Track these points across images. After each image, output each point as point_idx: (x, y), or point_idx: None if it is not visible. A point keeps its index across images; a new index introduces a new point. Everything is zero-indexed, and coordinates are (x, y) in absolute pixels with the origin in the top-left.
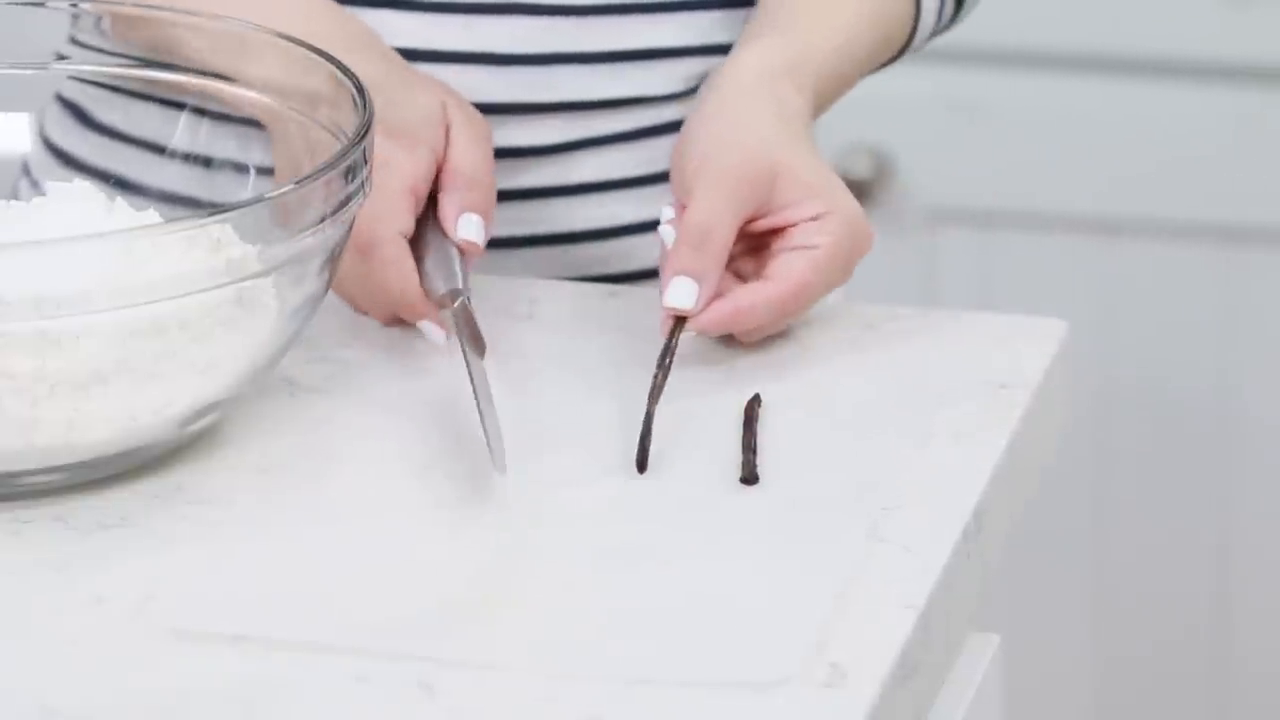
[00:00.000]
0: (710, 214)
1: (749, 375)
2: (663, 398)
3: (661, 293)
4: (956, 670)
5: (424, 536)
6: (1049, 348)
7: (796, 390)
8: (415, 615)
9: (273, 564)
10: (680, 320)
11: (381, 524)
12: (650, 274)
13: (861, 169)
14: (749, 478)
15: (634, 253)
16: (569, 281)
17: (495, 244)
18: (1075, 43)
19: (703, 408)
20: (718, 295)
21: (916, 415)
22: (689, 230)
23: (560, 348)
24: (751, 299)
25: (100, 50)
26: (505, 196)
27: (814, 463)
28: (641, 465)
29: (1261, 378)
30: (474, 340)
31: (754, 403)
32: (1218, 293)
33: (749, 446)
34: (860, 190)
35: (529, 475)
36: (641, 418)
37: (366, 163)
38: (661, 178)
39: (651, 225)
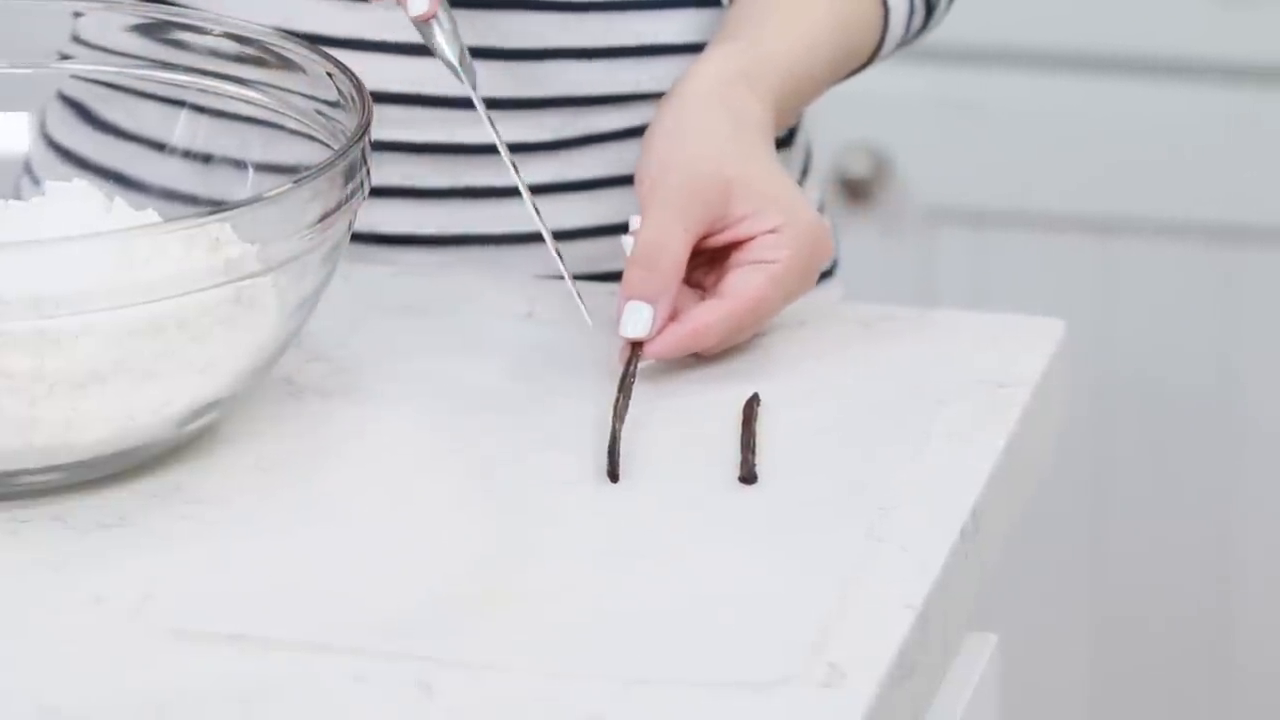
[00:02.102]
0: (661, 233)
1: (746, 374)
2: (658, 395)
3: (617, 319)
4: (954, 670)
5: (423, 536)
6: (1047, 347)
7: (794, 390)
8: (414, 614)
9: (271, 563)
10: (638, 345)
11: (380, 523)
12: None
13: (859, 168)
14: (747, 477)
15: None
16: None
17: (492, 241)
18: (1072, 42)
19: (700, 406)
20: (674, 315)
21: (914, 415)
22: (641, 251)
23: (559, 346)
24: (707, 318)
25: (104, 49)
26: (502, 192)
27: (812, 462)
28: (614, 476)
29: (1259, 376)
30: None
31: (753, 402)
32: (1215, 292)
33: (747, 445)
34: (858, 189)
35: (527, 474)
36: (622, 426)
37: (365, 162)
38: None
39: None
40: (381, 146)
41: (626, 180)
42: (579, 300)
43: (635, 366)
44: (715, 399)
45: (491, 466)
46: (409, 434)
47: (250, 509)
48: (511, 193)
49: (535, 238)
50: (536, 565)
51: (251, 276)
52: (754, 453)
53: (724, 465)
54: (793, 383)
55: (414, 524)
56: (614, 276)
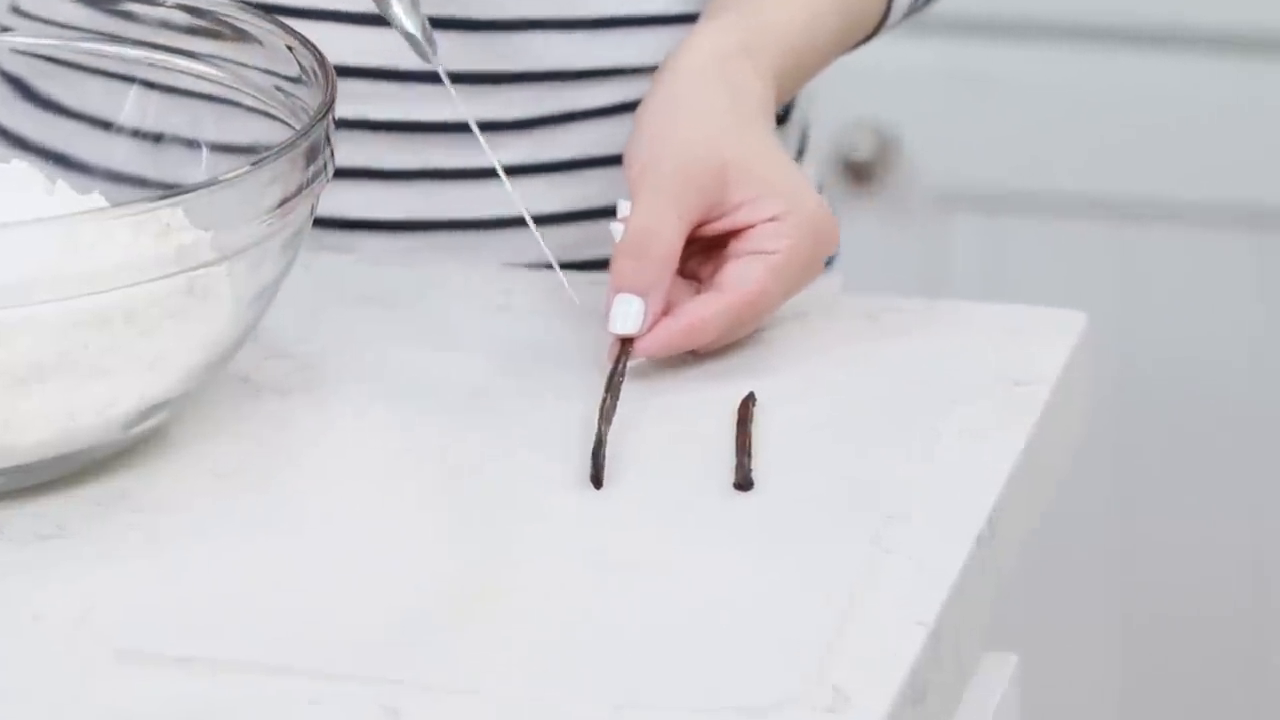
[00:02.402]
0: (653, 220)
1: (743, 371)
2: (649, 392)
3: (605, 313)
4: (970, 692)
5: (388, 547)
6: (1067, 341)
7: (794, 387)
8: (379, 632)
9: (223, 578)
10: (628, 341)
11: (342, 533)
12: None
13: (864, 149)
14: (743, 483)
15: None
16: (546, 269)
17: (465, 226)
18: (1092, 11)
19: (693, 405)
20: (667, 309)
21: (924, 414)
22: (631, 239)
23: (538, 340)
24: (703, 313)
25: (46, 21)
26: (471, 174)
27: (813, 466)
28: (598, 483)
29: None
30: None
31: (748, 401)
32: (1248, 279)
33: (743, 449)
34: (861, 172)
35: (505, 478)
36: (609, 429)
37: (328, 143)
38: None
39: None
40: (337, 124)
41: (607, 161)
42: (563, 279)
43: (624, 364)
44: (710, 397)
45: (465, 471)
46: (375, 435)
47: (202, 518)
48: (480, 175)
49: (507, 223)
50: (514, 579)
51: (205, 265)
52: (750, 456)
53: (719, 468)
54: (792, 379)
55: (380, 534)
56: (592, 265)
